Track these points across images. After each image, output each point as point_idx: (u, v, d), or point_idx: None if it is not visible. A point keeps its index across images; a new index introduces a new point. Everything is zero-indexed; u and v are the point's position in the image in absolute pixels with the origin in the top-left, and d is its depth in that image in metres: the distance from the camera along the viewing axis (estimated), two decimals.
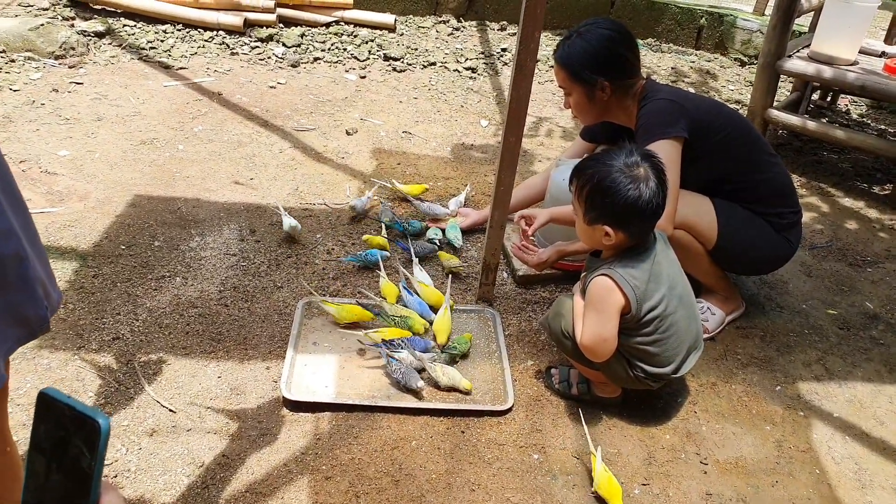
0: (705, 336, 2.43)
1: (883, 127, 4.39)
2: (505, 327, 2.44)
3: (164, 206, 2.89)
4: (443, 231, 2.83)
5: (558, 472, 1.97)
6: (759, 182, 2.40)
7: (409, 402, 2.11)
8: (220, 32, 4.58)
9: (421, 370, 2.17)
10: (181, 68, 4.12)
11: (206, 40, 4.48)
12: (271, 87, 4.08)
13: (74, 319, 2.26)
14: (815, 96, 4.36)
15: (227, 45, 4.49)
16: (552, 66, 4.69)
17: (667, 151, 2.11)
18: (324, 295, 2.49)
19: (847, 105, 4.61)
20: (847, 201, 3.52)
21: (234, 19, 4.59)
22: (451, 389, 2.15)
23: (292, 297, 2.48)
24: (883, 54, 3.79)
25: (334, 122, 3.79)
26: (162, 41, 4.37)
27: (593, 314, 1.92)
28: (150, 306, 2.36)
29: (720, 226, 2.34)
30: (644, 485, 1.94)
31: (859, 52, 3.68)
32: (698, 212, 2.34)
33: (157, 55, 4.21)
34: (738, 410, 2.23)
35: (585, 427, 2.05)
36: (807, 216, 3.23)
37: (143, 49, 4.24)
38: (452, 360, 2.26)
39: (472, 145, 3.72)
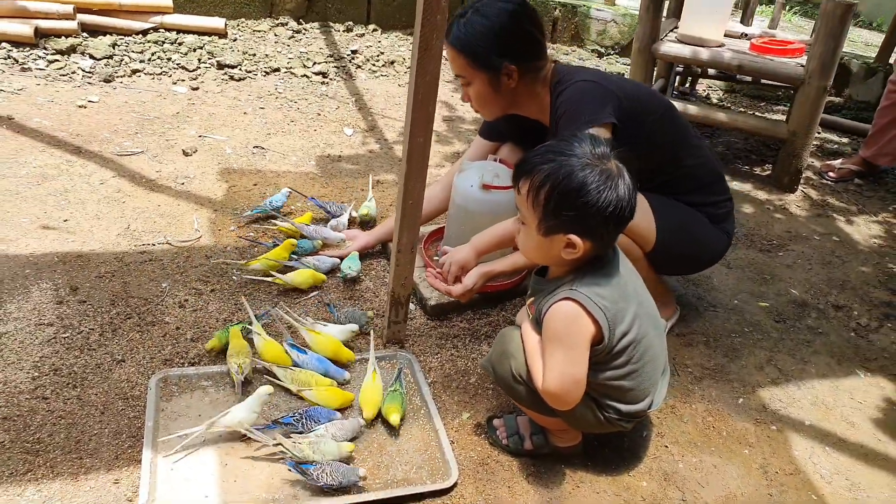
0: None
1: (742, 109, 4.44)
2: (426, 373, 1.97)
3: None
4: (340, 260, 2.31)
5: None
6: (691, 169, 2.11)
7: (321, 500, 1.57)
8: (4, 45, 3.71)
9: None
10: None
11: None
12: (80, 107, 3.30)
13: None
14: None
15: (15, 59, 3.62)
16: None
17: None
18: (182, 365, 1.88)
19: (706, 89, 4.62)
20: (735, 185, 3.42)
21: (22, 28, 3.73)
22: None
23: (140, 373, 1.84)
24: (744, 35, 3.77)
25: (166, 142, 3.11)
26: None
27: (558, 351, 1.50)
28: None
29: (658, 224, 2.02)
30: None
31: None
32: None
33: None
34: (708, 435, 1.92)
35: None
36: None
37: None
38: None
39: (339, 157, 3.20)
